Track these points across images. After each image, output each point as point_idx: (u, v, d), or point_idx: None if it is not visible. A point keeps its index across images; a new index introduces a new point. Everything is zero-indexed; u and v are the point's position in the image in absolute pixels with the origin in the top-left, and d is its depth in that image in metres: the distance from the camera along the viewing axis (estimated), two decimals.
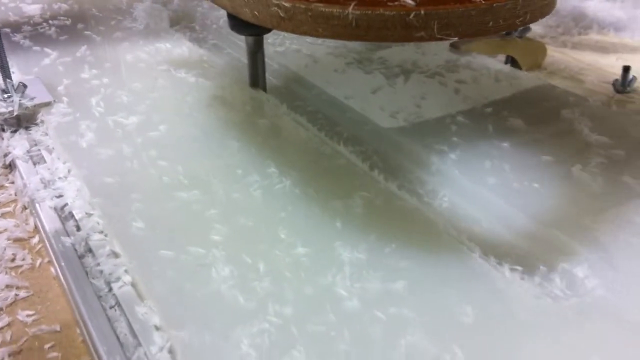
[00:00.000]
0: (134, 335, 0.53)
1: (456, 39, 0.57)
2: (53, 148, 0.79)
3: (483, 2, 0.56)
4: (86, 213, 0.67)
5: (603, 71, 1.06)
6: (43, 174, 0.74)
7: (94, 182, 0.70)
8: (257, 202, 0.66)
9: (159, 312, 0.53)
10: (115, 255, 0.61)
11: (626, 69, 0.97)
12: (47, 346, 0.58)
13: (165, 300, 0.54)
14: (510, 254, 0.58)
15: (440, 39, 0.56)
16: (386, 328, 0.50)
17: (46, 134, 0.82)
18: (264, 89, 0.87)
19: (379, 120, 0.82)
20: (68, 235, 0.65)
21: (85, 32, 1.12)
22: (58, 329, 0.60)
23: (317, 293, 0.53)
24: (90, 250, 0.63)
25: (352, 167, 0.72)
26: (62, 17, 1.19)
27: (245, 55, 1.02)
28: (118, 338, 0.53)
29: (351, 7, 0.55)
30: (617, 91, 0.97)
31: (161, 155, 0.73)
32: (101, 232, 0.64)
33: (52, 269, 0.65)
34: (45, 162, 0.77)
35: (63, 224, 0.67)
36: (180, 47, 1.04)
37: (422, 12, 0.54)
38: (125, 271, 0.59)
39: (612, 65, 1.07)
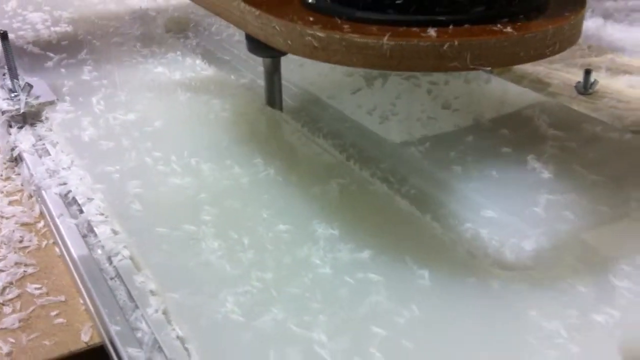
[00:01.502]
0: (132, 300, 0.60)
1: (489, 69, 0.57)
2: (57, 142, 0.86)
3: (515, 33, 0.56)
4: (88, 198, 0.74)
5: (571, 75, 1.13)
6: (48, 164, 0.81)
7: (95, 171, 0.77)
8: (244, 187, 0.73)
9: (155, 279, 0.60)
10: (115, 233, 0.68)
11: (587, 72, 1.05)
12: (53, 313, 0.65)
13: (160, 269, 0.61)
14: (467, 230, 0.65)
15: (473, 69, 0.56)
16: (353, 290, 0.57)
17: (50, 130, 0.89)
18: (281, 109, 0.90)
19: (356, 117, 0.89)
20: (72, 218, 0.72)
21: (85, 37, 1.19)
22: (63, 299, 0.67)
23: (294, 262, 0.61)
24: (92, 230, 0.70)
25: (331, 158, 0.79)
26: (63, 24, 1.26)
27: (235, 59, 1.10)
28: (118, 303, 0.60)
29: (386, 37, 0.56)
30: (580, 93, 1.05)
31: (156, 147, 0.80)
32: (102, 214, 0.71)
33: (57, 249, 0.72)
34: (49, 154, 0.84)
35: (67, 208, 0.74)
36: (174, 51, 1.11)
37: (456, 42, 0.55)
38: (125, 247, 0.66)
39: (579, 70, 1.14)
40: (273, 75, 0.89)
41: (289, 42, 0.62)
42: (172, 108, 0.92)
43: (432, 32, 0.56)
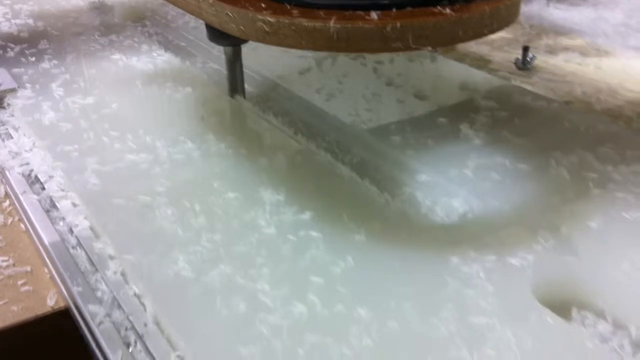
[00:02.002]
0: (92, 265, 0.65)
1: (429, 48, 0.60)
2: (19, 126, 0.90)
3: (453, 14, 0.60)
4: (49, 176, 0.78)
5: (511, 54, 1.19)
6: (11, 147, 0.85)
7: (55, 151, 0.81)
8: (196, 161, 0.78)
9: (112, 245, 0.65)
10: (75, 206, 0.72)
11: (525, 49, 1.12)
12: (20, 282, 0.69)
13: (118, 236, 0.66)
14: (402, 192, 0.71)
15: (415, 49, 0.60)
16: (295, 246, 0.62)
17: (12, 115, 0.93)
18: (244, 96, 0.93)
19: (305, 95, 0.94)
20: (35, 194, 0.76)
21: (45, 28, 1.23)
22: (29, 269, 0.71)
23: (242, 225, 0.66)
24: (54, 205, 0.74)
25: (279, 133, 0.84)
26: (23, 17, 1.29)
27: (190, 44, 1.15)
28: (79, 268, 0.65)
29: (332, 21, 0.59)
30: (518, 68, 1.11)
31: (113, 127, 0.85)
32: (63, 189, 0.76)
33: (22, 225, 0.76)
34: (12, 138, 0.88)
35: (30, 186, 0.78)
36: (131, 39, 1.16)
37: (398, 24, 0.58)
38: (85, 218, 0.71)
39: (520, 48, 1.21)
40: (235, 63, 0.92)
41: (242, 27, 0.65)
42: (128, 92, 0.96)
43: (374, 15, 0.60)
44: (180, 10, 0.81)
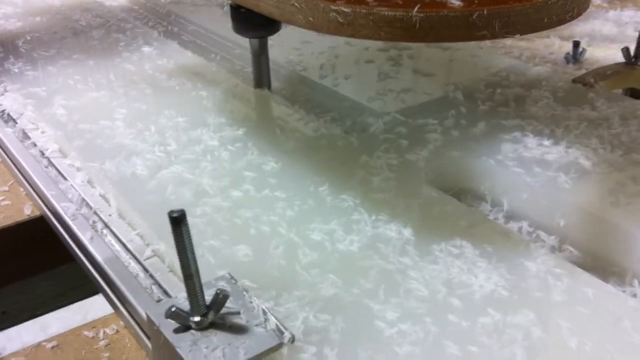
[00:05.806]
0: (63, 176, 0.77)
1: (518, 35, 0.59)
2: None
3: (538, 0, 0.60)
4: (20, 113, 0.90)
5: None
6: None
7: (24, 92, 0.92)
8: (148, 95, 0.90)
9: (79, 159, 0.77)
10: (44, 133, 0.84)
11: None
12: None
13: (84, 151, 0.77)
14: (326, 114, 0.84)
15: (502, 37, 0.59)
16: (233, 153, 0.75)
17: None
18: (269, 88, 0.91)
19: None
20: (9, 128, 0.88)
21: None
22: (6, 189, 0.83)
23: (190, 139, 0.78)
24: (27, 136, 0.86)
25: (221, 73, 0.97)
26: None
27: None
28: (52, 180, 0.77)
29: (415, 10, 0.56)
30: None
31: (76, 72, 0.97)
32: (33, 123, 0.87)
33: None
34: None
35: (4, 123, 0.89)
36: None
37: (485, 11, 0.56)
38: (54, 142, 0.82)
39: None
40: (260, 57, 0.89)
41: (311, 19, 0.62)
42: (86, 43, 1.08)
43: (456, 2, 0.58)
44: None
